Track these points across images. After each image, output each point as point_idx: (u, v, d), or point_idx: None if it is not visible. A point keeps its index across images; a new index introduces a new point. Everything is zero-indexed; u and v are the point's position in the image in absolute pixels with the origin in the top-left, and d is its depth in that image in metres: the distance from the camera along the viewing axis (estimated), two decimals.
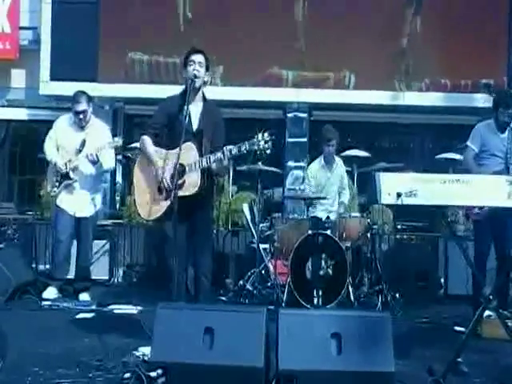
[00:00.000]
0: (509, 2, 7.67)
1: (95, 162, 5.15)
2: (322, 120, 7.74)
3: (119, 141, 5.30)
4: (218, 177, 4.07)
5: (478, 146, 4.76)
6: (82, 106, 5.23)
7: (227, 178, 7.26)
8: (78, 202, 5.24)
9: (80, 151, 5.17)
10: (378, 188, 3.44)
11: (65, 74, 7.71)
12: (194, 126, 3.87)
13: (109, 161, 5.29)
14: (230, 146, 3.70)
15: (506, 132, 4.71)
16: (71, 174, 5.17)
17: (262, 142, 3.63)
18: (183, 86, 3.88)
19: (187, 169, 3.72)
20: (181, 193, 3.66)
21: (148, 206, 3.84)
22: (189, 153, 3.71)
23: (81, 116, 5.24)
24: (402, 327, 4.35)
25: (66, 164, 5.17)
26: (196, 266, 3.94)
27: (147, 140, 3.91)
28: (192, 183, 3.73)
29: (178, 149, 3.60)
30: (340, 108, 7.89)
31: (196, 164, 3.71)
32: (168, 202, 3.72)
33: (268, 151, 3.66)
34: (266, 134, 3.65)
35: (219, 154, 3.68)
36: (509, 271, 4.50)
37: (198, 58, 3.88)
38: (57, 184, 5.23)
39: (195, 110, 3.88)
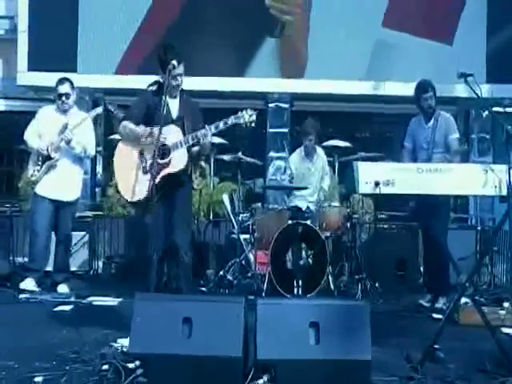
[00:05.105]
0: None
1: (69, 142, 5.09)
2: (304, 110, 7.75)
3: (99, 109, 5.35)
4: (201, 155, 4.10)
5: (410, 142, 5.00)
6: (65, 88, 5.26)
7: (209, 171, 7.22)
8: (59, 185, 5.18)
9: (62, 133, 5.14)
10: (355, 177, 3.47)
11: (43, 65, 7.60)
12: (174, 114, 3.90)
13: (87, 145, 5.22)
14: (216, 122, 3.76)
15: (432, 121, 4.87)
16: (53, 154, 5.13)
17: (246, 116, 3.76)
18: (159, 78, 3.89)
19: (171, 148, 3.75)
20: (168, 170, 3.73)
21: (132, 187, 3.79)
22: (173, 134, 3.76)
23: (63, 98, 5.23)
24: (381, 315, 4.40)
25: (48, 147, 5.13)
26: (176, 243, 3.90)
27: (129, 123, 3.89)
28: (179, 160, 3.76)
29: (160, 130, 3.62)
30: (321, 98, 7.88)
31: (182, 142, 3.76)
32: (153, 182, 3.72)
33: (253, 124, 3.79)
34: (249, 109, 3.78)
35: (203, 130, 3.75)
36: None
37: (180, 70, 3.83)
38: (38, 168, 5.17)
39: (173, 101, 3.92)
